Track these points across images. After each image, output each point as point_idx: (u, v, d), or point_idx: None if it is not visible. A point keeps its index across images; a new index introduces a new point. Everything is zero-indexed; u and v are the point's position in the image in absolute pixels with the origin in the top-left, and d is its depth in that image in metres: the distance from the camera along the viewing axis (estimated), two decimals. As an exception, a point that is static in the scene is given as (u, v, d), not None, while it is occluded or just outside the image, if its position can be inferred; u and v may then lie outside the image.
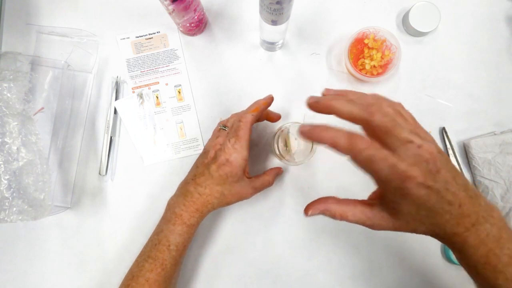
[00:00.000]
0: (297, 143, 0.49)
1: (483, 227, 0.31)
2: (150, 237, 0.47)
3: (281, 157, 0.49)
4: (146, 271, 0.44)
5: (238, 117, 0.45)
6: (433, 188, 0.30)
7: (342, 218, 0.35)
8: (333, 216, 0.36)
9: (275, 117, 0.52)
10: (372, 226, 0.35)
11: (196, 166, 0.47)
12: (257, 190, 0.48)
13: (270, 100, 0.47)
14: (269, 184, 0.49)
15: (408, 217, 0.32)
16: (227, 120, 0.48)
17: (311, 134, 0.32)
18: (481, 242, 0.31)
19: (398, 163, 0.29)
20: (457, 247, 0.33)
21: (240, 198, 0.47)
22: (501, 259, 0.31)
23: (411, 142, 0.30)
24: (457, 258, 0.35)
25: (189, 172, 0.48)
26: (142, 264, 0.45)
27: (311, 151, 0.48)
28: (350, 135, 0.31)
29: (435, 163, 0.30)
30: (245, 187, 0.46)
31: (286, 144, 0.49)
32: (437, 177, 0.30)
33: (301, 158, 0.49)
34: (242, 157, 0.43)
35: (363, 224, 0.35)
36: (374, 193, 0.37)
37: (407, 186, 0.29)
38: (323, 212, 0.36)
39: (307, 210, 0.37)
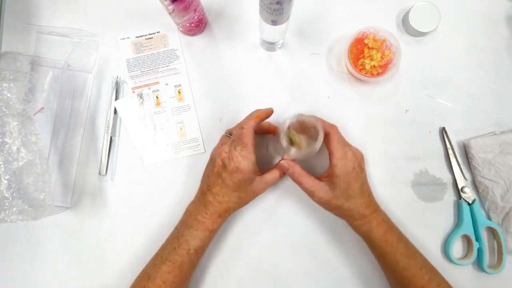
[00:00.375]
0: (299, 139, 0.48)
1: (380, 214, 0.47)
2: (168, 241, 0.48)
3: (285, 154, 0.49)
4: (163, 273, 0.45)
5: (240, 125, 0.46)
6: (359, 175, 0.46)
7: (298, 180, 0.48)
8: (292, 175, 0.48)
9: (276, 130, 0.53)
10: (312, 193, 0.47)
11: (207, 175, 0.48)
12: (269, 184, 0.49)
13: (270, 111, 0.49)
14: (280, 177, 0.50)
15: (339, 192, 0.45)
16: (233, 128, 0.49)
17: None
18: (379, 224, 0.46)
19: (348, 151, 0.45)
20: (365, 229, 0.46)
21: (256, 195, 0.49)
22: (394, 238, 0.46)
23: (350, 145, 0.47)
24: (368, 244, 0.48)
25: (202, 181, 0.49)
26: (159, 266, 0.46)
27: (315, 145, 0.47)
28: (332, 125, 0.47)
29: (362, 164, 0.47)
30: (258, 184, 0.48)
31: (290, 142, 0.48)
32: (362, 172, 0.47)
33: (305, 153, 0.48)
34: (251, 163, 0.45)
35: (308, 189, 0.47)
36: (325, 172, 0.51)
37: (349, 165, 0.45)
38: (288, 169, 0.48)
39: (282, 162, 0.49)
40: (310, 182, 0.47)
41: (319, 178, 0.49)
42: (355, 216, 0.46)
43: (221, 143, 0.48)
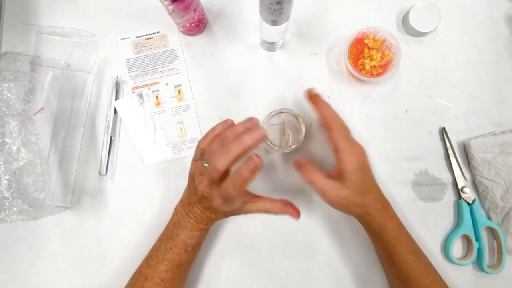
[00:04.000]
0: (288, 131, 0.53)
1: (392, 210, 0.46)
2: (162, 241, 0.48)
3: (274, 147, 0.51)
4: (161, 272, 0.45)
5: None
6: (369, 168, 0.45)
7: (311, 178, 0.44)
8: (305, 173, 0.44)
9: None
10: (323, 192, 0.43)
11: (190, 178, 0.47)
12: (252, 212, 0.47)
13: (254, 144, 0.39)
14: (268, 213, 0.47)
15: (354, 188, 0.43)
16: (207, 151, 0.42)
17: (319, 105, 0.46)
18: (392, 220, 0.45)
19: (356, 145, 0.44)
20: (379, 226, 0.44)
21: (233, 213, 0.47)
22: (404, 236, 0.45)
23: (353, 139, 0.45)
24: (378, 242, 0.46)
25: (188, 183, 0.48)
26: (156, 266, 0.46)
27: (299, 136, 0.50)
28: (335, 118, 0.45)
29: (367, 156, 0.45)
30: (245, 207, 0.46)
31: (283, 133, 0.51)
32: (369, 165, 0.45)
33: (293, 144, 0.51)
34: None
35: (321, 189, 0.43)
36: (332, 172, 0.46)
37: (359, 159, 0.44)
38: (303, 166, 0.45)
39: (296, 162, 0.46)
40: (323, 181, 0.43)
41: (329, 174, 0.45)
42: (371, 212, 0.44)
43: (195, 160, 0.46)
